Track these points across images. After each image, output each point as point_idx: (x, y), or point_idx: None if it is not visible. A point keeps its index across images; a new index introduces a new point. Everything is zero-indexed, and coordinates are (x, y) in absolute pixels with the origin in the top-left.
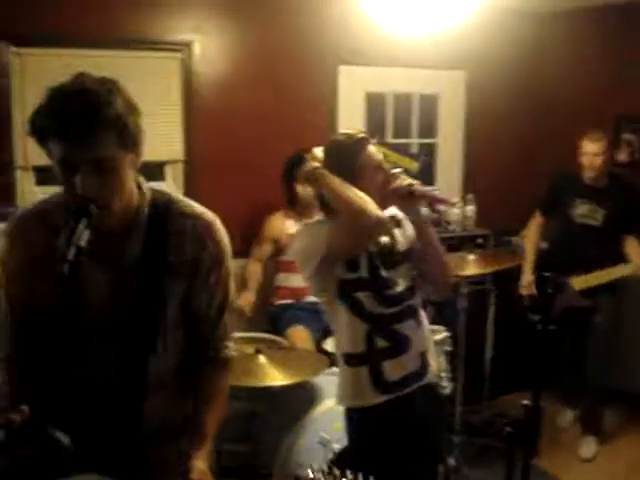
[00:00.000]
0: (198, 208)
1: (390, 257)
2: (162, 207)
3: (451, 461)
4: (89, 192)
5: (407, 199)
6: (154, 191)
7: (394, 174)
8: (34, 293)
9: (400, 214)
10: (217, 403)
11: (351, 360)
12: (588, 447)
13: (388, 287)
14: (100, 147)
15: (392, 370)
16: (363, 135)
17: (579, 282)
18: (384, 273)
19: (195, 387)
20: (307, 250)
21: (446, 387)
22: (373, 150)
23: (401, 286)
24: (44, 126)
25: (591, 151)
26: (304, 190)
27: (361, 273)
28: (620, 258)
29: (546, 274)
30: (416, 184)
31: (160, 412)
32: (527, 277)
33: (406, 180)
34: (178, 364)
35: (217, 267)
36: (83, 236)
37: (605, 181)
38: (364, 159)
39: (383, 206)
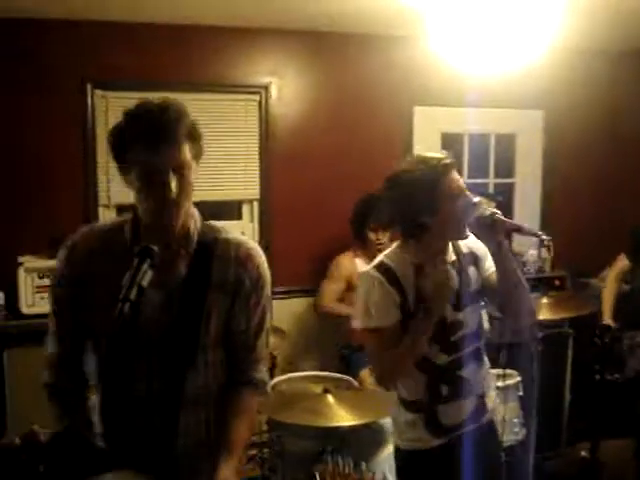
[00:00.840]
0: (241, 237)
1: (459, 298)
2: (209, 233)
3: None
4: (175, 194)
5: (489, 229)
6: (203, 221)
7: (477, 202)
8: (87, 312)
9: (480, 248)
10: (247, 420)
11: (409, 406)
12: None
13: (453, 333)
14: (182, 153)
15: (449, 414)
16: (448, 159)
17: None
18: (450, 317)
19: (227, 404)
20: (366, 306)
21: (518, 432)
22: (457, 175)
23: (467, 328)
24: (131, 137)
25: None
26: (377, 239)
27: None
28: None
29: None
30: (499, 214)
31: (195, 429)
32: (608, 321)
33: (489, 209)
34: (217, 384)
35: (257, 291)
36: (146, 277)
37: None
38: (447, 184)
39: (462, 234)
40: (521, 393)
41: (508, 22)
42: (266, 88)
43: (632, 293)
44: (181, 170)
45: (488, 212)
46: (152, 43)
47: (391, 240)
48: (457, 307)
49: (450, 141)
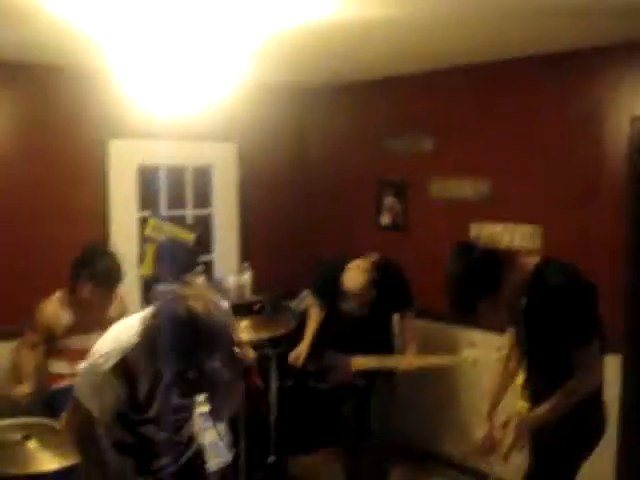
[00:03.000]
0: None
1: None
2: None
3: None
4: None
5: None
6: None
7: None
8: None
9: None
10: None
11: (121, 447)
12: None
13: (175, 414)
14: None
15: (160, 462)
16: None
17: (357, 363)
18: (175, 403)
19: None
20: (92, 391)
21: (226, 454)
22: None
23: (188, 410)
24: None
25: (352, 280)
26: (89, 295)
27: (150, 413)
28: (389, 344)
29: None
30: None
31: None
32: (301, 348)
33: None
34: None
35: None
36: None
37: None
38: None
39: None
40: None
41: (197, 56)
42: None
43: (329, 319)
44: None
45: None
46: None
47: (106, 293)
48: (184, 395)
49: (147, 174)
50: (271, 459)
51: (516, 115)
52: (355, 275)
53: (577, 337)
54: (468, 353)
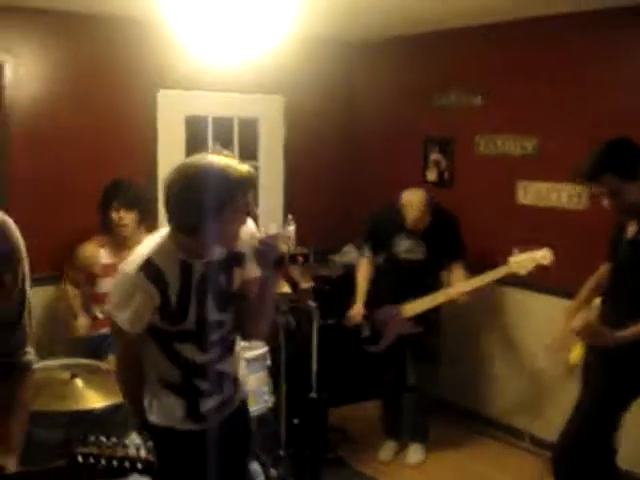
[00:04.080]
0: None
1: (223, 299)
2: None
3: (274, 472)
4: None
5: (272, 261)
6: None
7: (275, 235)
8: None
9: (246, 247)
10: (22, 412)
11: (169, 386)
12: (415, 454)
13: (213, 332)
14: None
15: (208, 405)
16: (250, 176)
17: (408, 310)
18: (212, 317)
19: None
20: (123, 305)
21: (268, 400)
22: (250, 196)
23: (227, 326)
24: None
25: (412, 205)
26: (119, 219)
27: (186, 325)
28: (441, 286)
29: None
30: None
31: None
32: (357, 307)
33: (283, 247)
34: None
35: (13, 264)
36: None
37: (427, 221)
38: (241, 199)
39: (234, 245)
40: (269, 362)
41: (247, 8)
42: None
43: (377, 283)
44: None
45: (280, 251)
46: None
47: (138, 222)
48: (221, 308)
49: (194, 124)
50: (313, 395)
51: (564, 73)
52: (414, 199)
53: None
54: (514, 259)
